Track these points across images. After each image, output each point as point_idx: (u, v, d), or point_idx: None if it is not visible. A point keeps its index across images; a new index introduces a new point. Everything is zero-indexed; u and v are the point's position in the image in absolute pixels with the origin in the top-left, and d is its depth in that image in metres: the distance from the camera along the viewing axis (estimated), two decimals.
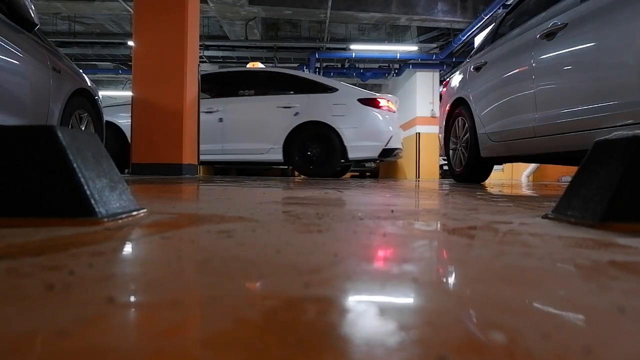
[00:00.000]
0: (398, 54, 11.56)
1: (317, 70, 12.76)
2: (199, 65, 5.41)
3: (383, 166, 14.48)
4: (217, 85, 6.46)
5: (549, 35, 2.67)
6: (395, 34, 11.90)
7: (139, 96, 4.96)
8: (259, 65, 7.72)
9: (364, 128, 5.64)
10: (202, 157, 5.45)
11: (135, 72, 5.00)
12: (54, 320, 0.32)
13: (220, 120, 5.78)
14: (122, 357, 0.26)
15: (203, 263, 0.53)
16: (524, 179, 8.02)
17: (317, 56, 11.60)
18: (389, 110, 5.84)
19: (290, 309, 0.36)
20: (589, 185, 0.89)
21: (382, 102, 5.79)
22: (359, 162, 6.15)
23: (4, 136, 0.79)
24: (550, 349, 0.28)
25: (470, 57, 4.11)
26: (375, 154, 5.74)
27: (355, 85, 7.55)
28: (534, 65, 2.82)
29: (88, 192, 0.77)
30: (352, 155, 5.68)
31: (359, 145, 5.65)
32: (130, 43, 7.81)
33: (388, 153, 5.81)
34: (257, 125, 5.79)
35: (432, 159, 11.87)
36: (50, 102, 3.04)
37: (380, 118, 5.72)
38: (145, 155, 4.93)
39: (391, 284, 0.44)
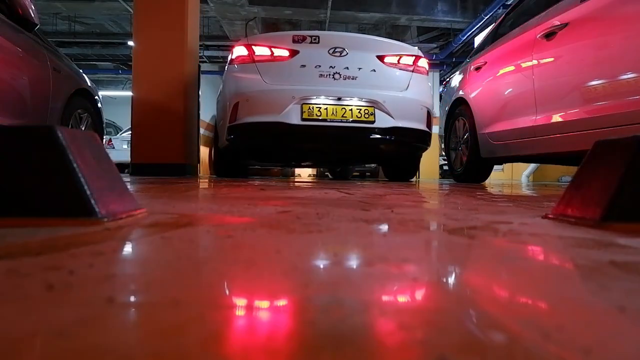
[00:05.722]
0: None
1: None
2: (199, 65, 5.41)
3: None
4: None
5: (549, 35, 2.67)
6: (395, 34, 11.88)
7: (139, 96, 4.96)
8: None
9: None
10: None
11: (135, 72, 5.00)
12: (54, 321, 0.32)
13: None
14: (122, 357, 0.26)
15: (203, 263, 0.53)
16: (524, 179, 8.02)
17: None
18: (255, 61, 3.56)
19: (289, 309, 0.36)
20: (589, 185, 0.89)
21: (238, 51, 3.66)
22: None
23: (4, 136, 0.79)
24: (550, 349, 0.28)
25: (470, 57, 4.12)
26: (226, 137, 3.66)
27: None
28: (534, 65, 2.82)
29: (88, 192, 0.77)
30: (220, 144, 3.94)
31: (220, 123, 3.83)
32: (130, 43, 7.81)
33: (238, 134, 3.51)
34: None
35: (432, 159, 11.87)
36: (50, 102, 3.04)
37: (228, 78, 3.69)
38: (145, 155, 4.92)
39: (391, 284, 0.44)
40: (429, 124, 3.79)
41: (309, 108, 3.39)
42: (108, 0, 9.18)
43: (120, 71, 13.50)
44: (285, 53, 3.55)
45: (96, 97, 3.85)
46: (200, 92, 5.56)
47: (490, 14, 8.28)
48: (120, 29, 11.47)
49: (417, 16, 9.39)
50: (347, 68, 3.56)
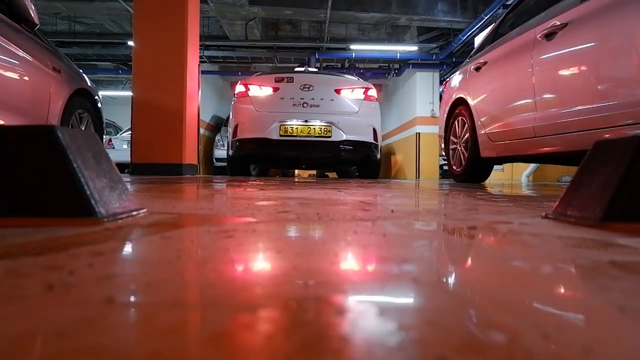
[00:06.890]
0: (398, 54, 11.54)
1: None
2: (199, 65, 5.41)
3: (383, 166, 14.46)
4: None
5: (549, 35, 2.67)
6: (395, 34, 11.89)
7: (139, 96, 4.97)
8: None
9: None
10: None
11: (135, 72, 5.01)
12: (54, 320, 0.32)
13: None
14: (122, 357, 0.26)
15: (203, 263, 0.53)
16: (524, 179, 8.02)
17: (317, 56, 11.59)
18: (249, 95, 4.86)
19: (290, 309, 0.36)
20: (589, 185, 0.89)
21: (239, 88, 4.96)
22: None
23: (4, 136, 0.79)
24: (550, 349, 0.28)
25: (470, 57, 4.11)
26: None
27: None
28: (534, 65, 2.82)
29: (88, 192, 0.77)
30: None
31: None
32: (130, 43, 7.80)
33: (238, 145, 4.84)
34: None
35: (432, 159, 11.86)
36: (50, 102, 3.04)
37: (233, 107, 4.98)
38: (145, 155, 4.93)
39: (391, 284, 0.44)
40: (375, 138, 4.96)
41: (285, 128, 4.66)
42: (108, 0, 9.16)
43: (120, 71, 13.48)
44: (270, 90, 4.80)
45: (96, 97, 3.85)
46: (200, 92, 5.57)
47: (490, 14, 8.26)
48: (120, 29, 11.46)
49: (417, 16, 9.38)
50: (313, 99, 4.80)
